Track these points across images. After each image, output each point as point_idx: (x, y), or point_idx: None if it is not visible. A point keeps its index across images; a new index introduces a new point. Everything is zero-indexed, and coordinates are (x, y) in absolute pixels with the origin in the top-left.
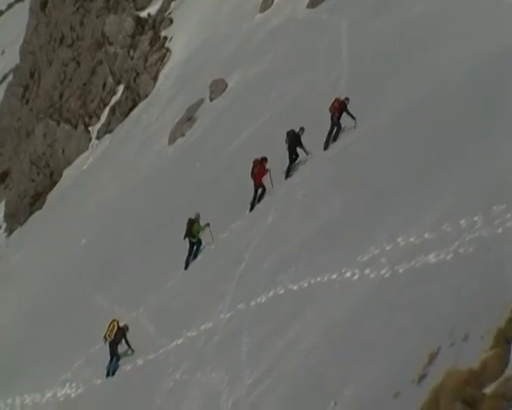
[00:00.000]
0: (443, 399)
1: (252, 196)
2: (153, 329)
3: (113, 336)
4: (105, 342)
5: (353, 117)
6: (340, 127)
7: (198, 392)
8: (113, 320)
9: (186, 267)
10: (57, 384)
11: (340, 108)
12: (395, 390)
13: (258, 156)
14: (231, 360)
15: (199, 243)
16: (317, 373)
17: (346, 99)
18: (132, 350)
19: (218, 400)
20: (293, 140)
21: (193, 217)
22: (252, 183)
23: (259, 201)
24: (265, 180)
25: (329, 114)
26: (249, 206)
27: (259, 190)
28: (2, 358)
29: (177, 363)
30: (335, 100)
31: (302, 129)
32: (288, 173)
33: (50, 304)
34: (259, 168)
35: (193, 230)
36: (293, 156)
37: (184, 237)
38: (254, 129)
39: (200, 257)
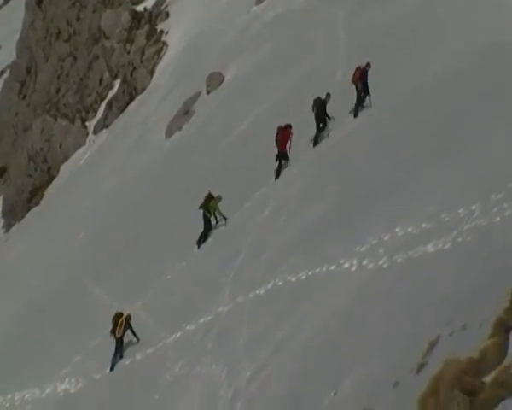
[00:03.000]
0: (442, 388)
1: (276, 164)
2: (151, 322)
3: (122, 333)
4: (113, 338)
5: (369, 92)
6: (368, 93)
7: (198, 385)
8: (120, 315)
9: (199, 246)
10: (57, 379)
11: (361, 76)
12: (394, 380)
13: (284, 124)
14: (230, 352)
15: (210, 222)
16: (316, 364)
17: (368, 65)
18: (138, 339)
19: (217, 392)
20: (320, 107)
21: (217, 196)
22: (276, 150)
23: (280, 170)
24: (288, 146)
25: (353, 86)
26: (275, 174)
27: (283, 158)
28: (1, 356)
29: (176, 357)
30: (356, 69)
31: (328, 95)
32: (316, 141)
33: (49, 299)
34: (283, 135)
35: (209, 205)
36: (321, 124)
37: (199, 207)
38: (251, 121)
39: (197, 251)
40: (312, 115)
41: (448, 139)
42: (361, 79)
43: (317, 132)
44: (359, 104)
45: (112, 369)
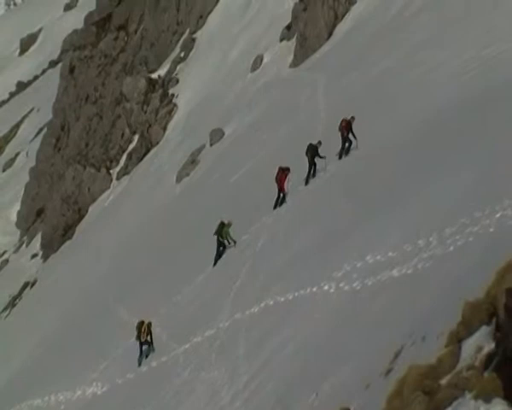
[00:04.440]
0: (406, 389)
1: (275, 198)
2: (165, 335)
3: (145, 337)
4: (139, 343)
5: (355, 137)
6: (351, 143)
7: (203, 388)
8: (142, 323)
9: (214, 264)
10: (86, 384)
11: (347, 126)
12: (366, 382)
13: (282, 166)
14: (230, 360)
15: (224, 245)
16: (301, 370)
17: (352, 118)
18: (154, 349)
19: (219, 394)
20: (313, 152)
21: (225, 221)
22: (276, 186)
23: (281, 203)
24: (286, 185)
25: (339, 134)
26: (273, 204)
27: (281, 194)
28: (39, 363)
29: (185, 364)
30: (343, 120)
31: (320, 142)
32: (307, 180)
33: (80, 316)
34: (282, 175)
35: (222, 232)
36: (313, 166)
37: (214, 234)
38: (246, 169)
39: (202, 276)
40: (298, 160)
41: (411, 182)
42: (346, 128)
43: (308, 173)
44: (344, 149)
45: (139, 365)
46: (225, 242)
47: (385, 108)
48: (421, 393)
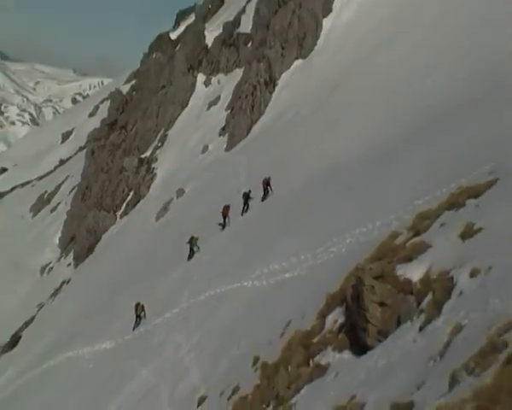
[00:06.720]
0: (293, 344)
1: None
2: (148, 313)
3: (139, 312)
4: (135, 316)
5: (272, 190)
6: (268, 193)
7: (171, 345)
8: (138, 304)
9: (188, 260)
10: (100, 342)
11: (266, 183)
12: (269, 340)
13: (226, 203)
14: (188, 328)
15: (193, 251)
16: (229, 334)
17: (269, 177)
18: (146, 317)
19: (181, 348)
20: (247, 197)
21: (195, 236)
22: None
23: (225, 226)
24: (229, 214)
25: (261, 187)
26: (221, 227)
27: (226, 220)
28: (71, 328)
29: (160, 330)
30: (264, 179)
31: (250, 191)
32: (242, 213)
33: (98, 302)
34: (224, 209)
35: (192, 241)
36: (246, 206)
37: (187, 243)
38: (199, 213)
39: (174, 275)
40: (232, 206)
41: (298, 220)
42: (265, 184)
43: (242, 209)
44: (264, 196)
45: (133, 329)
46: (194, 248)
47: (281, 177)
48: (301, 347)
